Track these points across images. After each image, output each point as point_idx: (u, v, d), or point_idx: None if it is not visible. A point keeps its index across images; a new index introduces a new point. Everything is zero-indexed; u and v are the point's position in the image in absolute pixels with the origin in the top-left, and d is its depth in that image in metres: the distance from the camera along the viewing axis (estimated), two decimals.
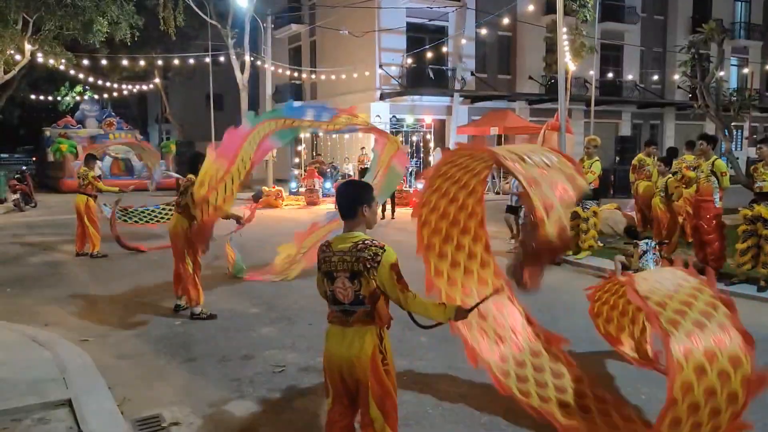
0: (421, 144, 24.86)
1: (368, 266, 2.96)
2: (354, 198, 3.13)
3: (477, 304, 3.40)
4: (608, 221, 11.90)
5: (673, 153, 11.46)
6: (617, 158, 26.09)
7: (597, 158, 10.14)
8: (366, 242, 3.00)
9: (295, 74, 30.42)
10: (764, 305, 7.50)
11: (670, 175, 9.44)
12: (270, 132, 7.64)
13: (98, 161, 12.81)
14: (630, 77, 31.77)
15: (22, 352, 5.41)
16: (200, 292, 6.90)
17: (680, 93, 32.26)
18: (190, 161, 7.19)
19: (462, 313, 3.15)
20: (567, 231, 3.41)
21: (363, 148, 24.86)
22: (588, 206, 9.85)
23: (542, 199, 3.39)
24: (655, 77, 32.55)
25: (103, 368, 5.16)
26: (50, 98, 34.29)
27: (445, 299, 4.62)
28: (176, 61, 28.39)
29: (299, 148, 26.39)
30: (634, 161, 11.85)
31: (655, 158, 11.18)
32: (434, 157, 23.73)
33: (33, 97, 33.51)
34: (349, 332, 3.04)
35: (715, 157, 8.54)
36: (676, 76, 26.15)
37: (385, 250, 2.99)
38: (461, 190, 4.79)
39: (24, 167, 25.07)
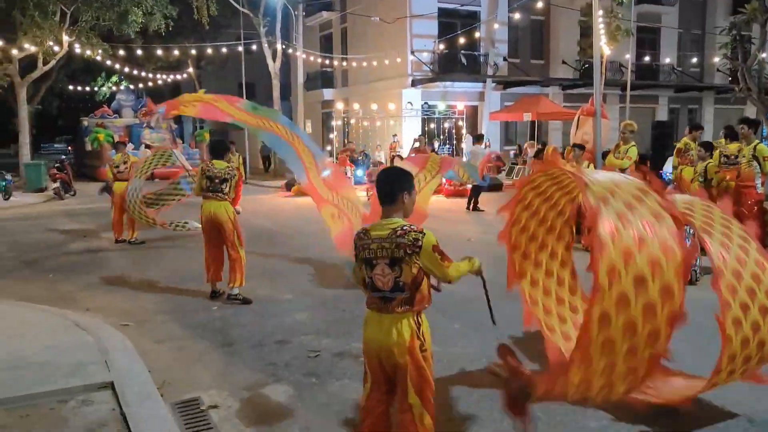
0: (453, 131, 24.74)
1: (409, 252, 2.95)
2: (395, 184, 3.12)
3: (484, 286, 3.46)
4: None
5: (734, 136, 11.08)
6: (654, 144, 25.57)
7: (633, 143, 9.95)
8: (405, 228, 2.99)
9: (327, 62, 30.44)
10: None
11: (710, 160, 9.22)
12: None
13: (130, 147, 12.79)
14: (667, 61, 31.02)
15: (66, 336, 5.56)
16: (243, 276, 7.07)
17: (720, 76, 31.46)
18: (217, 149, 7.29)
19: (478, 271, 3.31)
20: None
21: (395, 135, 24.85)
22: None
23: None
24: (694, 60, 31.72)
25: (142, 352, 5.29)
26: (87, 89, 35.01)
27: (545, 327, 4.75)
28: (209, 51, 28.64)
29: (331, 136, 26.50)
30: (680, 145, 11.55)
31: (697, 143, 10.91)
32: (465, 143, 23.59)
33: (71, 87, 34.21)
34: (387, 318, 3.04)
35: (756, 141, 8.34)
36: (716, 59, 25.54)
37: (424, 234, 2.98)
38: (550, 210, 4.74)
39: (63, 156, 25.66)
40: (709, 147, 9.33)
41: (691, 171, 10.24)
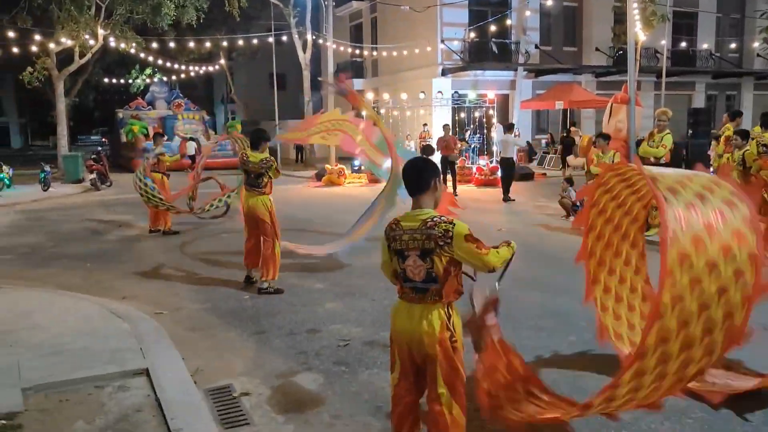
0: (484, 120, 24.52)
1: (440, 243, 2.94)
2: (424, 172, 3.12)
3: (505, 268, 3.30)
4: None
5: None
6: (690, 131, 25.00)
7: (668, 131, 9.74)
8: (435, 219, 2.99)
9: (357, 52, 30.41)
10: None
11: (747, 147, 8.97)
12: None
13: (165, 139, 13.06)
14: (705, 46, 30.22)
15: (103, 324, 5.70)
16: (276, 271, 7.14)
17: (759, 61, 30.55)
18: (253, 139, 7.28)
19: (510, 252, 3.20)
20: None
21: (425, 124, 24.74)
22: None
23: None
24: (732, 45, 30.83)
25: (176, 340, 5.40)
26: (122, 81, 35.59)
27: (614, 336, 4.71)
28: (240, 42, 28.84)
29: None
30: (728, 133, 11.28)
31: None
32: (496, 133, 23.36)
33: (106, 80, 34.84)
34: (418, 308, 3.04)
35: None
36: (756, 44, 24.84)
37: (454, 224, 2.97)
38: (625, 217, 4.66)
39: (99, 148, 26.17)
40: (746, 135, 9.08)
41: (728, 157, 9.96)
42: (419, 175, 3.12)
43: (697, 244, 3.01)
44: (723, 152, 10.83)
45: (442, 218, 3.00)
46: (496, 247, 3.12)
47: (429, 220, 2.99)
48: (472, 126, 24.28)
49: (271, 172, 7.09)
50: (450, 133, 17.59)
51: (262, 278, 7.12)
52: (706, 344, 3.08)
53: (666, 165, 9.63)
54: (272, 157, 7.20)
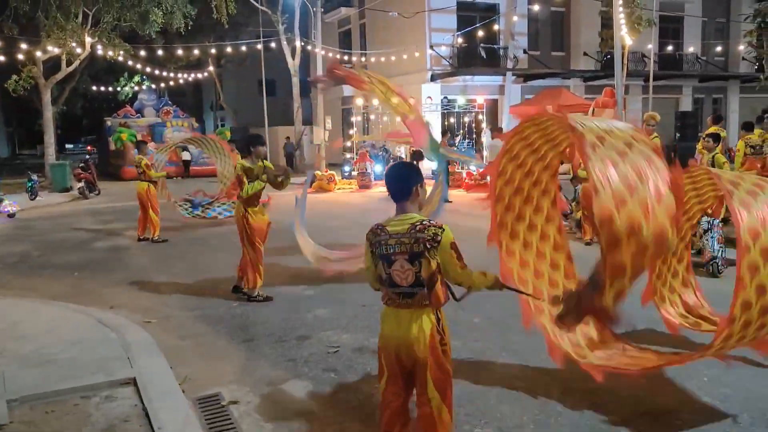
0: (473, 125, 24.60)
1: (428, 246, 2.94)
2: (408, 177, 3.13)
3: (515, 290, 3.39)
4: None
5: (750, 127, 11.07)
6: (677, 134, 25.18)
7: (656, 135, 9.80)
8: (424, 223, 2.99)
9: (346, 57, 30.46)
10: None
11: (717, 151, 9.09)
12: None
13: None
14: (691, 50, 30.47)
15: (90, 333, 5.65)
16: (258, 277, 7.08)
17: (745, 65, 30.82)
18: (244, 145, 7.24)
19: (498, 284, 3.22)
20: (625, 296, 3.28)
21: None
22: None
23: (615, 264, 3.18)
24: (718, 49, 31.11)
25: (165, 348, 5.36)
26: (110, 89, 35.47)
27: (518, 280, 4.61)
28: (229, 49, 28.83)
29: (351, 132, 26.50)
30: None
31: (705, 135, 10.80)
32: (485, 138, 23.42)
33: (94, 88, 34.72)
34: (406, 314, 3.04)
35: None
36: (741, 47, 25.06)
37: (443, 230, 2.98)
38: (537, 163, 4.68)
39: (87, 156, 26.00)
40: (717, 138, 9.22)
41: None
42: (401, 182, 3.13)
43: (618, 203, 3.18)
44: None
45: (432, 222, 3.01)
46: (483, 273, 3.20)
47: (418, 223, 2.99)
48: (461, 131, 24.35)
49: (258, 182, 6.90)
50: (441, 139, 17.65)
51: (244, 286, 7.09)
52: None
53: None
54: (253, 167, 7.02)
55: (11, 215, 14.61)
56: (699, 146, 11.00)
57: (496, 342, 5.48)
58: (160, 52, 26.39)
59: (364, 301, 6.80)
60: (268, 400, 4.45)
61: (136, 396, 4.34)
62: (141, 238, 11.01)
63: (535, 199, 4.79)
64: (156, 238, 10.95)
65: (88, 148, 36.94)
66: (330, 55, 28.22)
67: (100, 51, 22.15)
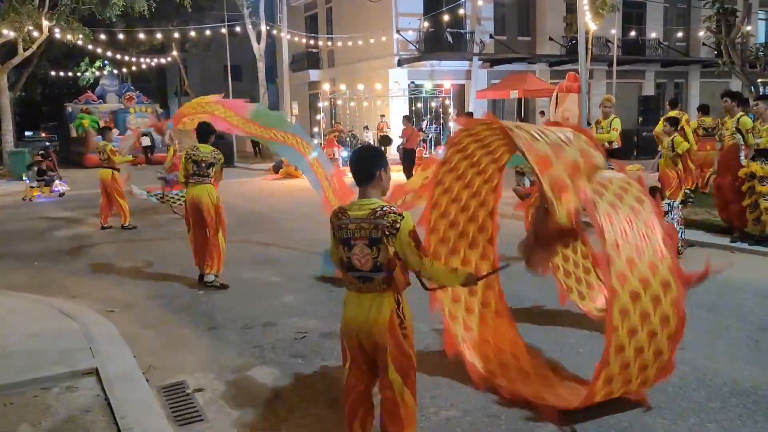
0: (441, 110, 24.65)
1: (387, 233, 2.93)
2: (372, 161, 3.10)
3: (487, 275, 3.44)
4: None
5: (706, 110, 11.51)
6: (640, 118, 25.60)
7: (615, 116, 9.82)
8: (384, 209, 2.97)
9: (312, 42, 30.18)
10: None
11: (676, 134, 9.30)
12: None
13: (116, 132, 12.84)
14: (653, 35, 30.95)
15: (51, 324, 5.54)
16: (222, 262, 7.05)
17: (705, 50, 31.43)
18: (201, 132, 7.18)
19: (471, 279, 3.21)
20: (579, 215, 3.41)
21: (383, 115, 24.74)
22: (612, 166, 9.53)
23: (555, 181, 3.40)
24: (680, 34, 31.65)
25: (128, 337, 5.29)
26: (70, 74, 34.57)
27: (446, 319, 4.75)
28: (193, 33, 28.34)
29: (318, 117, 26.34)
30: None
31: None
32: (453, 125, 23.50)
33: (53, 73, 33.76)
34: (367, 298, 3.04)
35: (740, 113, 8.35)
36: (701, 33, 25.50)
37: (403, 217, 2.96)
38: (477, 176, 4.72)
39: (48, 143, 25.40)
40: (675, 122, 9.43)
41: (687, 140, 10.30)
42: (364, 166, 3.10)
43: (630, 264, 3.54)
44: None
45: (392, 208, 3.00)
46: (454, 269, 3.31)
47: (378, 209, 2.97)
48: (428, 116, 24.38)
49: (217, 166, 6.99)
50: (411, 125, 17.62)
51: (207, 271, 7.03)
52: (653, 347, 3.65)
53: (619, 149, 9.75)
54: (221, 154, 7.12)
55: (62, 194, 15.98)
56: (657, 129, 11.26)
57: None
58: (121, 37, 25.80)
59: (331, 288, 6.80)
60: (233, 387, 4.43)
61: (98, 386, 4.28)
62: (104, 226, 10.79)
63: (472, 208, 4.83)
64: (126, 224, 10.74)
65: (42, 135, 36.02)
66: (297, 39, 27.94)
67: (58, 35, 21.52)
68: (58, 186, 16.19)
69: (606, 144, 9.37)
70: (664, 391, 4.14)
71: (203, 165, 6.94)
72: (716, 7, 15.18)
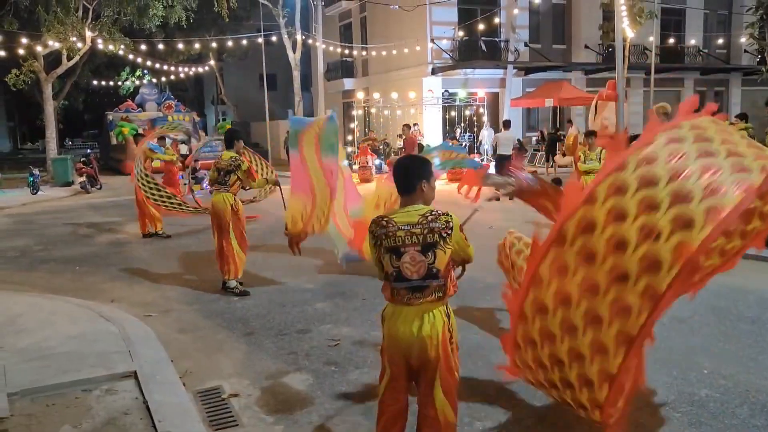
0: (474, 118, 24.56)
1: (444, 235, 2.90)
2: (413, 172, 3.06)
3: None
4: None
5: (744, 118, 11.21)
6: None
7: None
8: (434, 213, 2.95)
9: (347, 51, 30.39)
10: None
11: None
12: (317, 150, 7.31)
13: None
14: (693, 42, 30.36)
15: (91, 327, 5.66)
16: (239, 267, 7.12)
17: (747, 57, 30.69)
18: (227, 138, 7.27)
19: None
20: None
21: (416, 124, 24.74)
22: None
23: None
24: (720, 41, 31.00)
25: (165, 342, 5.37)
26: (111, 83, 35.42)
27: None
28: (230, 43, 28.75)
29: (352, 125, 26.48)
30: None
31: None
32: (484, 135, 23.33)
33: (95, 82, 34.62)
34: (416, 311, 2.94)
35: None
36: (743, 39, 24.88)
37: (451, 216, 2.97)
38: None
39: (89, 150, 25.98)
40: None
41: None
42: (405, 177, 3.06)
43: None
44: None
45: (440, 211, 2.97)
46: None
47: (428, 214, 2.94)
48: (462, 124, 24.32)
49: (239, 173, 6.97)
50: (411, 133, 17.55)
51: (225, 277, 7.11)
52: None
53: None
54: (242, 158, 7.07)
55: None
56: (568, 140, 11.02)
57: (495, 335, 5.48)
58: (160, 46, 26.35)
59: (365, 295, 6.82)
60: (268, 393, 4.46)
61: (136, 389, 4.35)
62: (145, 234, 10.85)
63: None
64: (161, 232, 10.87)
65: (89, 145, 36.91)
66: (331, 48, 28.18)
67: (100, 45, 22.09)
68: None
69: None
70: (705, 407, 4.04)
71: (222, 173, 7.03)
72: (759, 12, 14.84)
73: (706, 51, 30.74)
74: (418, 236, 2.90)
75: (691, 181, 2.53)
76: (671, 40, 29.78)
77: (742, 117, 11.32)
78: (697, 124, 2.85)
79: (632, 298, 2.57)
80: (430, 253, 2.90)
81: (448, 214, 2.96)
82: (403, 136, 17.34)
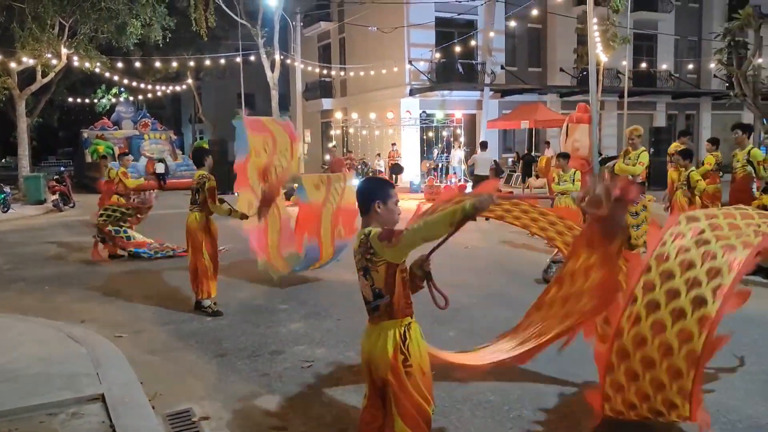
0: (452, 139, 24.75)
1: (368, 256, 2.90)
2: (367, 194, 3.04)
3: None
4: None
5: (716, 143, 11.35)
6: (652, 150, 25.57)
7: (644, 149, 9.49)
8: (366, 234, 2.92)
9: (325, 72, 30.54)
10: None
11: (692, 168, 9.20)
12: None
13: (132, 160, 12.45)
14: (664, 67, 31.12)
15: (59, 348, 5.54)
16: (212, 286, 7.04)
17: (716, 82, 31.53)
18: (194, 157, 7.23)
19: (486, 201, 2.79)
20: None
21: (394, 144, 24.91)
22: (637, 201, 8.78)
23: None
24: (690, 66, 31.82)
25: (135, 363, 5.27)
26: (87, 101, 35.11)
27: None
28: (208, 62, 28.75)
29: (330, 144, 26.53)
30: (670, 150, 11.84)
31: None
32: (456, 156, 23.42)
33: (71, 100, 34.30)
34: (375, 330, 2.99)
35: (751, 146, 8.33)
36: (712, 65, 25.59)
37: (371, 230, 2.91)
38: None
39: (63, 168, 25.67)
40: (687, 155, 9.30)
41: (676, 174, 10.14)
42: (361, 198, 3.06)
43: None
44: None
45: (365, 232, 2.93)
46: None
47: (363, 237, 2.93)
48: (439, 145, 24.48)
49: (203, 192, 6.85)
50: (336, 155, 17.57)
51: (198, 296, 7.05)
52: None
53: (641, 183, 9.44)
54: (210, 178, 6.91)
55: None
56: (540, 164, 11.12)
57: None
58: (138, 64, 26.25)
59: (339, 315, 6.78)
60: (240, 415, 4.39)
61: (104, 413, 4.25)
62: (111, 255, 10.63)
63: None
64: (115, 253, 10.61)
65: (55, 159, 36.39)
66: (310, 68, 28.30)
67: (76, 62, 21.93)
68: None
69: (630, 177, 9.18)
70: (675, 427, 4.06)
71: (193, 191, 7.01)
72: (727, 39, 15.26)
73: (677, 75, 31.51)
74: (358, 261, 2.97)
75: (697, 269, 3.44)
76: (643, 65, 30.49)
77: (714, 141, 11.50)
78: (691, 216, 3.77)
79: (680, 362, 3.44)
80: (368, 276, 2.94)
81: (368, 233, 2.90)
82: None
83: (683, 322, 3.39)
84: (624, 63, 25.11)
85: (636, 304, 3.54)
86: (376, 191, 3.03)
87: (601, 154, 18.20)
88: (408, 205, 11.86)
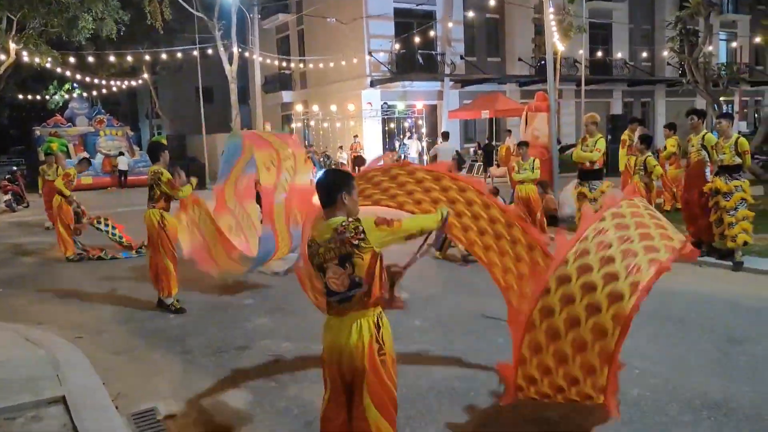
0: (414, 130, 24.82)
1: (356, 242, 2.90)
2: (332, 185, 3.06)
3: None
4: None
5: (673, 128, 11.64)
6: (609, 137, 26.07)
7: (600, 135, 9.59)
8: (343, 224, 2.95)
9: (284, 64, 30.24)
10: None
11: (649, 154, 9.41)
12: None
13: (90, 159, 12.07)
14: (619, 55, 31.71)
15: (16, 351, 5.40)
16: (173, 284, 6.91)
17: (670, 69, 32.28)
18: (149, 152, 7.11)
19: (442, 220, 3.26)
20: None
21: (356, 136, 24.83)
22: (595, 187, 9.20)
23: None
24: (645, 54, 32.49)
25: (97, 364, 5.17)
26: (39, 97, 34.06)
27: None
28: (164, 56, 28.14)
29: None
30: (623, 137, 12.11)
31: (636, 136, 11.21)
32: (411, 146, 23.53)
33: (21, 96, 33.22)
34: (346, 321, 2.99)
35: (705, 131, 8.53)
36: (665, 53, 26.20)
37: (360, 220, 2.95)
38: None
39: (15, 167, 24.92)
40: (646, 140, 9.53)
41: (633, 160, 10.34)
42: (326, 190, 3.06)
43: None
44: (626, 155, 11.56)
45: (350, 220, 2.97)
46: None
47: (338, 226, 2.94)
48: (401, 136, 24.56)
49: (162, 186, 6.72)
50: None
51: (160, 294, 6.95)
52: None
53: (599, 170, 9.55)
54: (163, 171, 6.76)
55: None
56: (501, 152, 11.40)
57: (438, 344, 5.53)
58: (91, 59, 25.56)
59: (305, 309, 6.74)
60: (206, 412, 4.35)
61: (65, 415, 4.17)
62: (68, 257, 10.17)
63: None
64: (70, 257, 10.14)
65: (7, 158, 35.34)
66: (269, 61, 27.98)
67: (26, 58, 21.23)
68: None
69: (587, 163, 9.34)
70: (636, 405, 4.18)
71: (148, 188, 6.89)
72: (679, 28, 15.62)
73: (632, 64, 32.12)
74: (334, 250, 2.95)
75: (617, 264, 3.30)
76: (599, 54, 31.00)
77: (671, 127, 11.75)
78: (617, 212, 3.59)
79: (592, 357, 3.36)
80: (348, 264, 2.93)
81: (357, 220, 2.95)
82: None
83: (598, 317, 3.28)
84: (581, 52, 25.45)
85: (549, 296, 3.38)
86: (340, 183, 3.06)
87: (560, 142, 18.51)
88: None
